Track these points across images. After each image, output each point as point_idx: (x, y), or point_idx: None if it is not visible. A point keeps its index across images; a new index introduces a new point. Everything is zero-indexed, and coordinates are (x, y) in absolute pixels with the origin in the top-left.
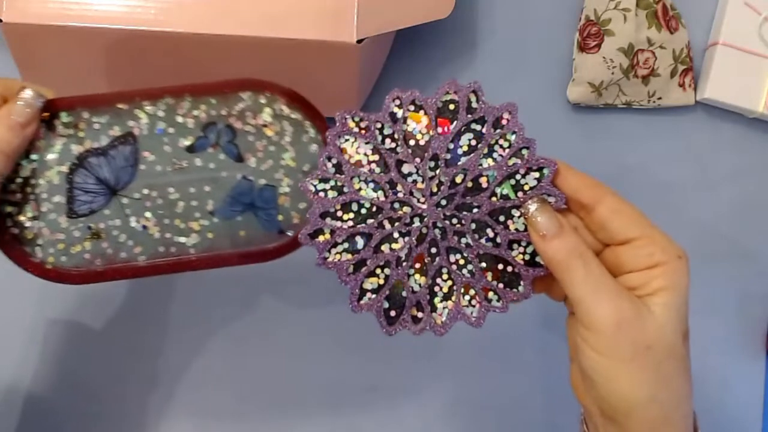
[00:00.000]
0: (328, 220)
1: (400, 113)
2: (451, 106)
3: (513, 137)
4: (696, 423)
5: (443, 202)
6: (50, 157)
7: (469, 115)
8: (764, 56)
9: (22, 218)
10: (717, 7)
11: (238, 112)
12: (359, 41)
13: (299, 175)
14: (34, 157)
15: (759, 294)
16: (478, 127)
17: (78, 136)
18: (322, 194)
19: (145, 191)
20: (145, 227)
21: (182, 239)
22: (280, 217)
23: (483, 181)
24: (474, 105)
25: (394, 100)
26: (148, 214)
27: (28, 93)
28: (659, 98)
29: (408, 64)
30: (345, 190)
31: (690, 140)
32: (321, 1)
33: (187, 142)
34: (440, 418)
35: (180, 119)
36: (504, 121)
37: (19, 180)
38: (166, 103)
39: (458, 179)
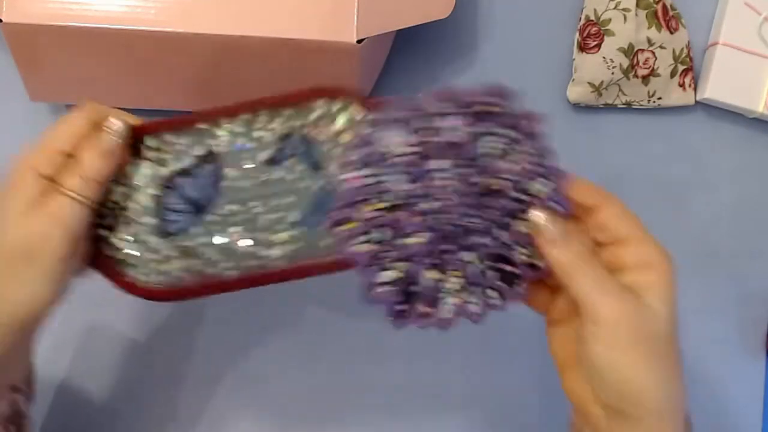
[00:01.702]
0: (352, 210)
1: (432, 110)
2: (481, 108)
3: (535, 144)
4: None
5: (462, 200)
6: (138, 180)
7: (496, 120)
8: (764, 56)
9: (115, 240)
10: (717, 7)
11: (313, 121)
12: (359, 41)
13: None
14: (123, 181)
15: (759, 294)
16: (502, 132)
17: (163, 158)
18: (357, 179)
19: (230, 207)
20: (230, 242)
21: (267, 252)
22: None
23: (500, 183)
24: (500, 110)
25: (427, 98)
26: (233, 229)
27: (115, 122)
28: (659, 98)
29: (408, 64)
30: (369, 182)
31: (690, 140)
32: (321, 1)
33: (266, 156)
34: (440, 417)
35: (258, 134)
36: (528, 128)
37: (110, 204)
38: (243, 119)
39: (477, 179)
